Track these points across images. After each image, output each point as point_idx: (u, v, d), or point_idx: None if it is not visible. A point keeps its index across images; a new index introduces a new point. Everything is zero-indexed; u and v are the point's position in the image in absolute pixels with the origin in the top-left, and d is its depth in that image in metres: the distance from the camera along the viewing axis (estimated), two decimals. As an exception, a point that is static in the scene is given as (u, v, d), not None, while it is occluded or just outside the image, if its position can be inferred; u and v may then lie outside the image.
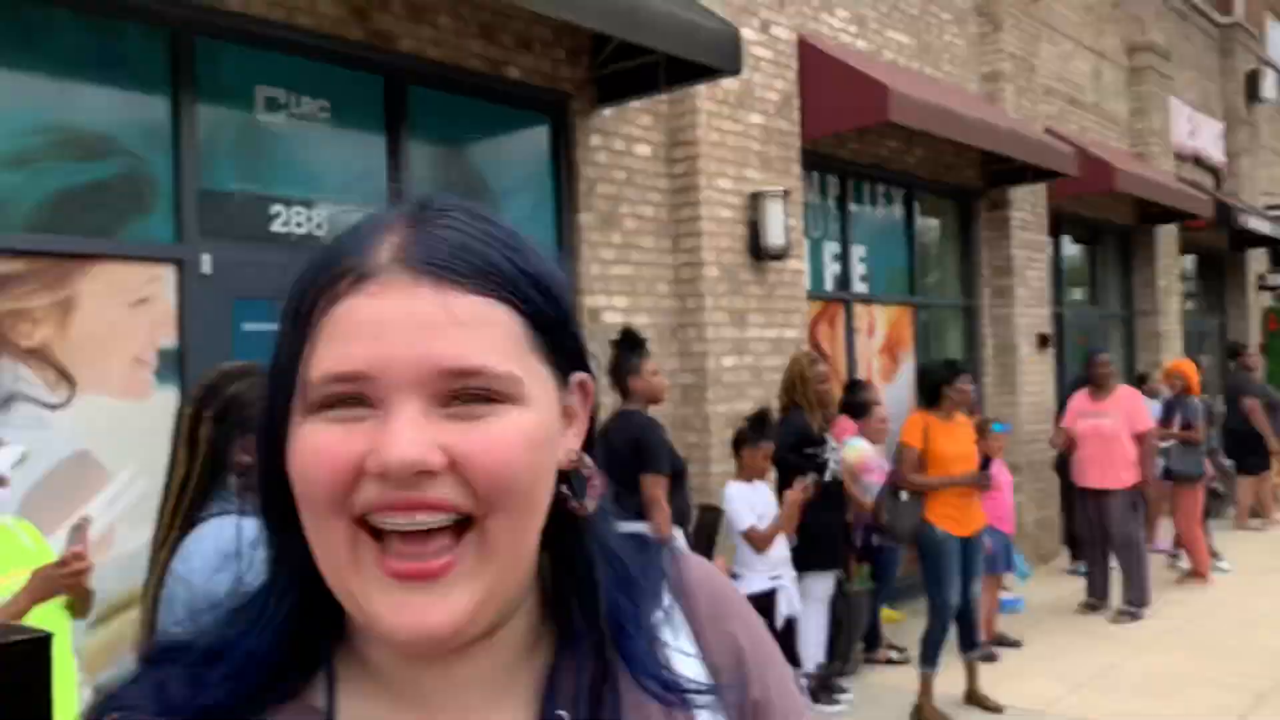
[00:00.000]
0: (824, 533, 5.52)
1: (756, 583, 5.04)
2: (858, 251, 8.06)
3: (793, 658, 5.51)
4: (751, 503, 5.19)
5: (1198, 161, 14.09)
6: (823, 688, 5.65)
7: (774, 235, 6.31)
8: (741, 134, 6.35)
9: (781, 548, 5.20)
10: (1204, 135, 14.27)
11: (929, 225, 9.05)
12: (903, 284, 8.66)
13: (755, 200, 6.33)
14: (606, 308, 5.76)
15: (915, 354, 8.52)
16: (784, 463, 5.44)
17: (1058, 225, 10.66)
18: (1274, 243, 14.68)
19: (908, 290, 8.68)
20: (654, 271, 6.06)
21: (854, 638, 6.24)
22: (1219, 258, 15.46)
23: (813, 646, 5.54)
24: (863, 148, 7.81)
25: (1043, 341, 9.57)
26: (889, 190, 8.49)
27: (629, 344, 4.69)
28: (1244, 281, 15.75)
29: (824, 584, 5.61)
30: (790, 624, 5.13)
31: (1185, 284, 14.04)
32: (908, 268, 8.71)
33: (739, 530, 5.15)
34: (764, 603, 4.96)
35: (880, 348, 8.23)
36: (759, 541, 5.10)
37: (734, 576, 4.97)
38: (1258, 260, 16.07)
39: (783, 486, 5.46)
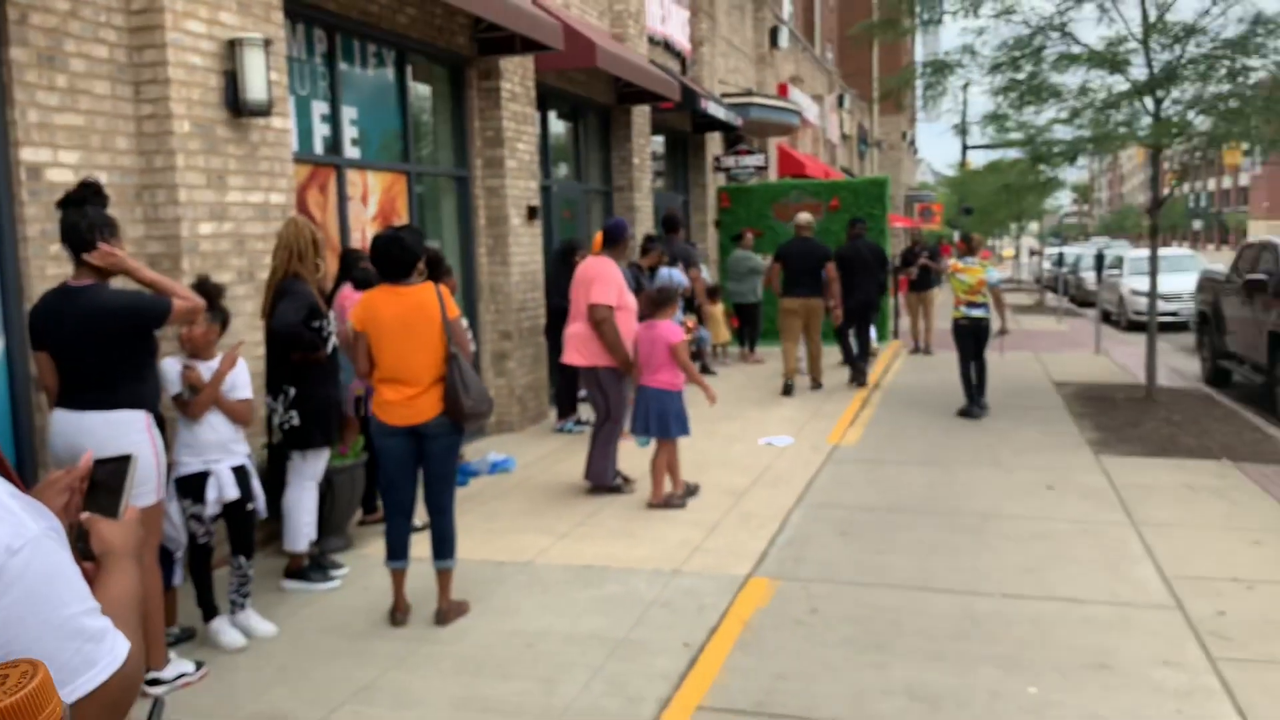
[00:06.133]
0: (323, 408, 5.30)
1: (189, 467, 4.67)
2: (349, 114, 7.67)
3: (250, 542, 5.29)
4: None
5: (667, 47, 15.21)
6: (316, 566, 5.52)
7: (255, 89, 5.76)
8: (213, -29, 5.67)
9: (214, 431, 4.69)
10: (673, 21, 15.40)
11: (422, 92, 8.86)
12: (396, 151, 8.43)
13: (233, 48, 5.72)
14: (51, 164, 4.94)
15: (412, 222, 8.38)
16: (297, 338, 5.10)
17: (545, 100, 10.98)
18: (727, 127, 16.34)
19: (401, 157, 8.47)
20: (110, 123, 5.28)
21: (349, 512, 6.14)
22: (684, 139, 16.95)
23: (305, 526, 5.36)
24: (350, 1, 7.38)
25: (531, 213, 9.89)
26: (380, 50, 8.14)
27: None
28: (704, 162, 17.46)
29: (319, 462, 5.41)
30: (234, 507, 4.75)
31: (656, 162, 15.24)
32: (401, 134, 8.49)
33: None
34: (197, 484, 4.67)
35: (374, 216, 7.99)
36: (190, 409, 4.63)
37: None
38: (715, 143, 17.87)
39: (286, 361, 5.16)
